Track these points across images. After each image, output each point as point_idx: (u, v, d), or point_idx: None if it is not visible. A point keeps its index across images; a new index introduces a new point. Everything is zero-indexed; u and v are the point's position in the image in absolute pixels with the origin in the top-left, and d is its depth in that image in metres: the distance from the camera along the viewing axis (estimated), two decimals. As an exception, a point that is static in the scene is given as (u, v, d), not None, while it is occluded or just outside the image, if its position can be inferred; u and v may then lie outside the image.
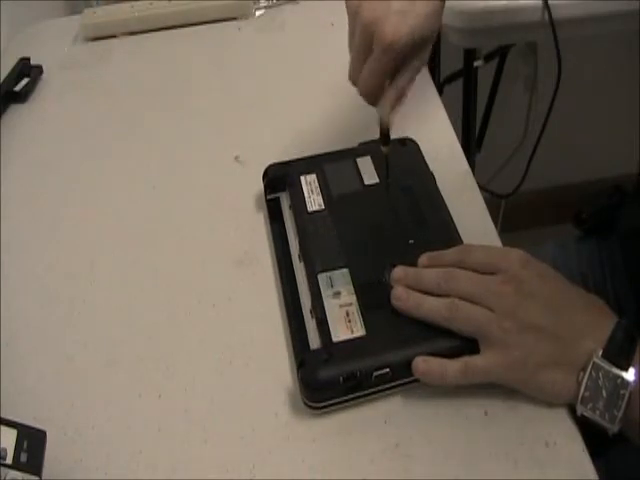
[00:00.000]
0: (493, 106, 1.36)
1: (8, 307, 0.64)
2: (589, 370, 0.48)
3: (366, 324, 0.54)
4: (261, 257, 0.65)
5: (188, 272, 0.65)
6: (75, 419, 0.55)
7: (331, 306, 0.55)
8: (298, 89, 0.83)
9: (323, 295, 0.56)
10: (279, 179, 0.67)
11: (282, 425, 0.53)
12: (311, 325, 0.56)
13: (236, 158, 0.75)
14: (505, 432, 0.50)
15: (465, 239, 0.59)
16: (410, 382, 0.52)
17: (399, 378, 0.52)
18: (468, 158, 0.72)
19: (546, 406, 0.51)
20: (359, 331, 0.53)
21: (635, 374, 0.47)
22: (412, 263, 0.56)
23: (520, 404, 0.51)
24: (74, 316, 0.63)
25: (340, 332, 0.53)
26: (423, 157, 0.67)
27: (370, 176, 0.65)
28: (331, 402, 0.52)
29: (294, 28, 0.93)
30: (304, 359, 0.53)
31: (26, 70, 0.89)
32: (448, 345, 0.52)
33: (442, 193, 0.64)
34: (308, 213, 0.63)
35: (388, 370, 0.51)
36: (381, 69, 0.54)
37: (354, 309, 0.55)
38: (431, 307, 0.53)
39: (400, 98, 0.57)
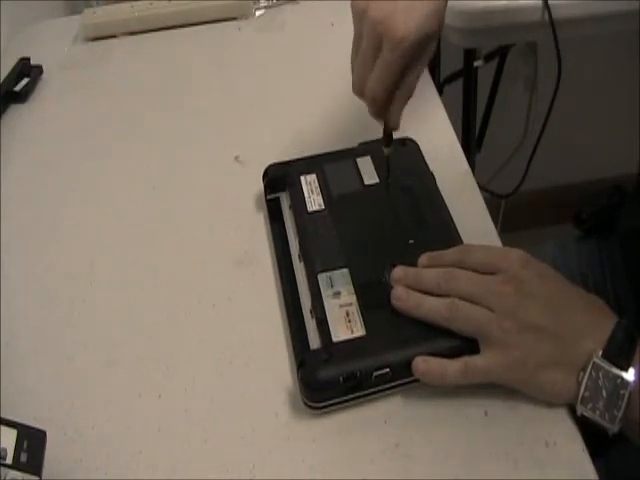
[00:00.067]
0: (493, 106, 1.36)
1: (8, 307, 0.64)
2: (589, 370, 0.48)
3: (366, 324, 0.54)
4: (261, 257, 0.65)
5: (188, 272, 0.65)
6: (75, 419, 0.55)
7: (331, 306, 0.55)
8: (298, 89, 0.83)
9: (323, 295, 0.56)
10: (279, 179, 0.67)
11: (282, 425, 0.53)
12: (311, 325, 0.56)
13: (236, 158, 0.75)
14: (505, 432, 0.50)
15: (465, 239, 0.59)
16: (410, 382, 0.52)
17: (399, 378, 0.52)
18: (468, 158, 0.72)
19: (546, 406, 0.51)
20: (359, 331, 0.53)
21: (635, 374, 0.47)
22: (412, 263, 0.56)
23: (520, 404, 0.51)
24: (74, 316, 0.63)
25: (340, 332, 0.53)
26: (423, 157, 0.67)
27: (370, 176, 0.65)
28: (331, 402, 0.52)
29: (294, 28, 0.93)
30: (304, 359, 0.53)
31: (26, 70, 0.89)
32: (448, 345, 0.52)
33: (442, 193, 0.64)
34: (308, 213, 0.63)
35: (388, 370, 0.51)
36: (391, 69, 0.54)
37: (354, 309, 0.55)
38: (431, 307, 0.53)
39: (409, 97, 0.58)
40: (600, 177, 1.48)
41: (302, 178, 0.66)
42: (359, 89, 0.57)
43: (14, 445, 0.45)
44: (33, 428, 0.47)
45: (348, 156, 0.67)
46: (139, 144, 0.80)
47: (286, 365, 0.56)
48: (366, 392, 0.52)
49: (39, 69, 0.90)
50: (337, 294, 0.56)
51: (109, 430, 0.54)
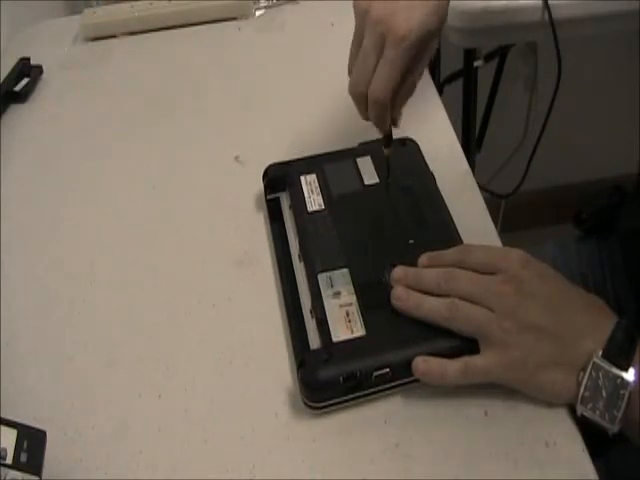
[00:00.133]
0: (493, 106, 1.36)
1: (8, 307, 0.64)
2: (589, 370, 0.48)
3: (366, 324, 0.54)
4: (261, 257, 0.65)
5: (188, 272, 0.65)
6: (75, 419, 0.55)
7: (331, 306, 0.55)
8: (298, 89, 0.83)
9: (323, 295, 0.56)
10: (279, 179, 0.67)
11: (282, 425, 0.53)
12: (311, 325, 0.56)
13: (236, 158, 0.75)
14: (505, 432, 0.50)
15: (465, 239, 0.59)
16: (410, 382, 0.52)
17: (399, 378, 0.52)
18: (468, 158, 0.72)
19: (546, 406, 0.51)
20: (359, 331, 0.53)
21: (635, 374, 0.47)
22: (412, 263, 0.56)
23: (520, 404, 0.51)
24: (74, 316, 0.63)
25: (340, 332, 0.53)
26: (423, 157, 0.67)
27: (370, 176, 0.65)
28: (331, 402, 0.52)
29: (294, 28, 0.93)
30: (304, 359, 0.53)
31: (26, 70, 0.89)
32: (448, 345, 0.52)
33: (442, 193, 0.64)
34: (308, 213, 0.63)
35: (388, 370, 0.51)
36: (395, 68, 0.54)
37: (354, 309, 0.55)
38: (431, 307, 0.53)
39: (410, 95, 0.58)
40: (600, 177, 1.48)
41: (302, 178, 0.66)
42: (357, 90, 0.57)
43: (14, 445, 0.45)
44: (33, 428, 0.47)
45: (348, 156, 0.67)
46: (139, 144, 0.80)
47: (286, 365, 0.56)
48: (366, 392, 0.52)
49: (39, 69, 0.90)
50: (337, 294, 0.56)
51: (109, 430, 0.54)
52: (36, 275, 0.67)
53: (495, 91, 1.36)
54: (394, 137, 0.62)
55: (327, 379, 0.51)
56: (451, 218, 0.61)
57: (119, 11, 0.96)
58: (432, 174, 0.66)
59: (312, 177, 0.66)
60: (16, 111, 0.86)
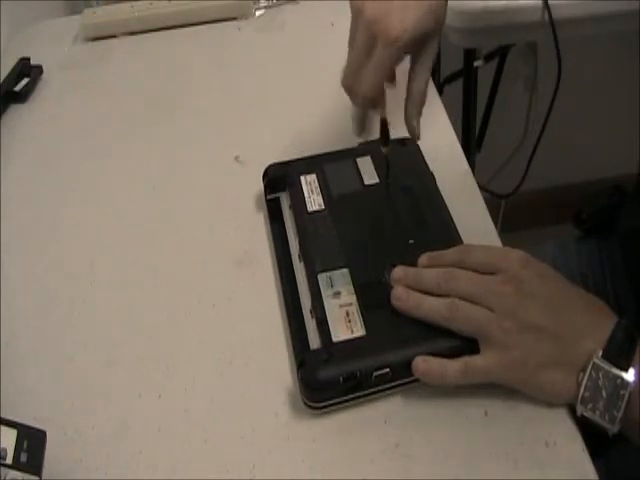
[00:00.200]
0: (493, 106, 1.36)
1: (8, 307, 0.64)
2: (589, 370, 0.48)
3: (366, 324, 0.54)
4: (261, 257, 0.65)
5: (188, 272, 0.65)
6: (75, 419, 0.55)
7: (331, 306, 0.55)
8: (298, 89, 0.83)
9: (323, 295, 0.56)
10: (279, 179, 0.67)
11: (282, 425, 0.53)
12: (311, 325, 0.56)
13: (236, 158, 0.75)
14: (505, 432, 0.50)
15: (465, 239, 0.59)
16: (410, 382, 0.52)
17: (399, 378, 0.52)
18: (468, 158, 0.72)
19: (546, 406, 0.51)
20: (359, 331, 0.53)
21: (635, 374, 0.47)
22: (412, 263, 0.56)
23: (520, 404, 0.51)
24: (74, 316, 0.63)
25: (340, 332, 0.53)
26: (423, 157, 0.67)
27: (370, 176, 0.65)
28: (331, 402, 0.52)
29: (294, 28, 0.93)
30: (304, 359, 0.53)
31: (26, 70, 0.89)
32: (448, 345, 0.52)
33: (442, 193, 0.64)
34: (308, 213, 0.63)
35: (388, 370, 0.51)
36: (385, 65, 0.55)
37: (354, 309, 0.55)
38: (431, 307, 0.53)
39: (423, 104, 0.59)
40: (600, 177, 1.48)
41: (302, 178, 0.66)
42: (348, 83, 0.57)
43: (14, 445, 0.45)
44: (33, 428, 0.47)
45: (348, 156, 0.67)
46: (139, 144, 0.80)
47: (286, 365, 0.56)
48: (366, 392, 0.52)
49: (39, 69, 0.90)
50: (337, 294, 0.56)
51: (109, 430, 0.54)
52: (36, 275, 0.67)
53: (495, 91, 1.36)
54: (394, 137, 0.62)
55: (327, 379, 0.51)
56: (451, 218, 0.61)
57: (119, 11, 0.96)
58: (432, 174, 0.66)
59: (312, 177, 0.66)
60: (16, 111, 0.86)
